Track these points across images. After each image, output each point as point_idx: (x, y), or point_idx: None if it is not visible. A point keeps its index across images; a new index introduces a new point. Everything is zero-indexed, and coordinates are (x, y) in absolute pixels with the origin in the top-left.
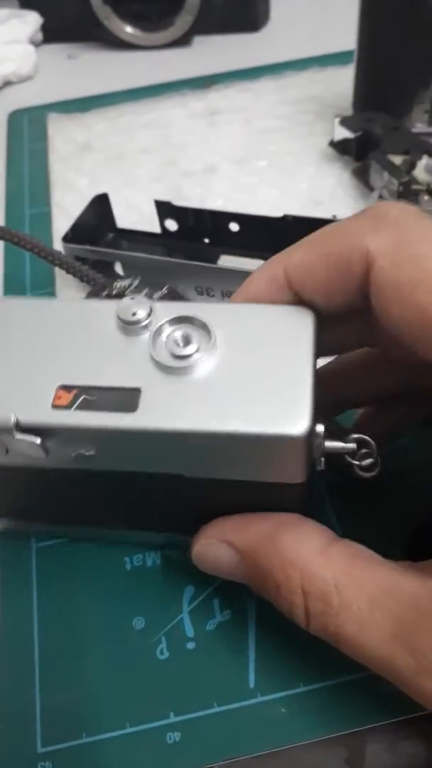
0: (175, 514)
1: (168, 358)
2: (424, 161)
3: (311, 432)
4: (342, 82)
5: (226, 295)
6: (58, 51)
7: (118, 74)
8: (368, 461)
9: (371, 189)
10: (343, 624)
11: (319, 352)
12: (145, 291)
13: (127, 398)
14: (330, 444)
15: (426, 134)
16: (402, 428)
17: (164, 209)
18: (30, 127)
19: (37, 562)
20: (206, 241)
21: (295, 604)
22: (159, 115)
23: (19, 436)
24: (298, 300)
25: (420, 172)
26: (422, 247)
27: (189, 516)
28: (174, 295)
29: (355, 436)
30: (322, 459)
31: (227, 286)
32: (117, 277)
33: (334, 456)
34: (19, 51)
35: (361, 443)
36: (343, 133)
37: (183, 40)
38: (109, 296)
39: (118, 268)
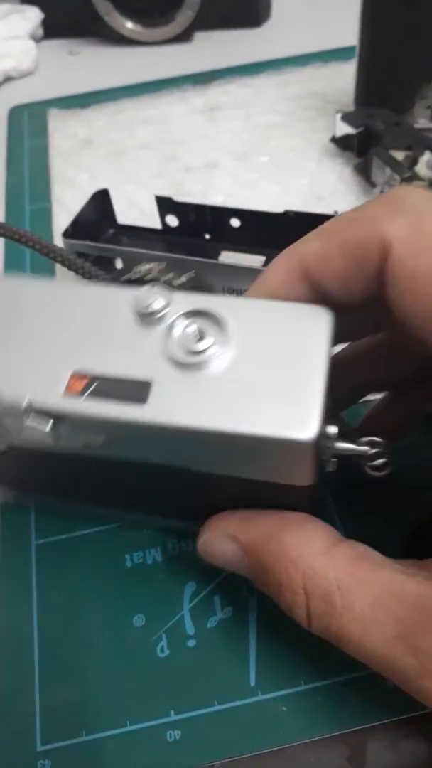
0: (183, 502)
1: (181, 352)
2: (426, 157)
3: (320, 437)
4: (343, 77)
5: (227, 292)
6: (58, 46)
7: (119, 70)
8: (380, 461)
9: (373, 185)
10: (346, 625)
11: (335, 342)
12: (170, 275)
13: (137, 390)
14: (342, 446)
15: (428, 130)
16: (415, 419)
17: (165, 205)
18: (30, 122)
19: (36, 560)
20: (207, 237)
21: (297, 603)
22: (160, 110)
23: (30, 420)
24: (316, 289)
25: (422, 167)
26: None
27: (196, 505)
28: (198, 281)
29: (367, 438)
30: (334, 460)
31: (228, 282)
32: (142, 260)
33: (345, 457)
34: (20, 46)
35: (373, 445)
36: (344, 129)
37: (184, 36)
38: (132, 281)
39: (119, 264)
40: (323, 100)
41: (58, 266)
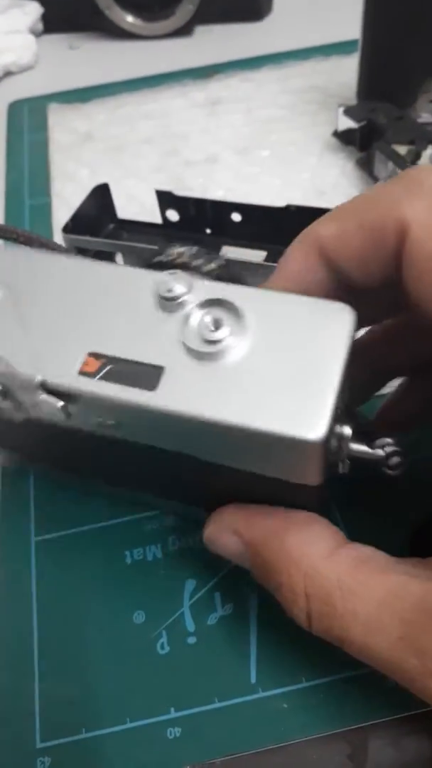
0: (190, 488)
1: (196, 341)
2: (429, 151)
3: (329, 437)
4: (345, 71)
5: None
6: (58, 41)
7: (119, 64)
8: (395, 461)
9: (375, 179)
10: (348, 627)
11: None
12: (200, 261)
13: (149, 375)
14: (356, 447)
15: (431, 124)
16: (430, 409)
17: (165, 199)
18: (30, 117)
19: (36, 556)
20: (208, 231)
21: (296, 604)
22: (160, 105)
23: (43, 396)
24: (335, 271)
25: (425, 161)
26: None
27: (202, 492)
28: (227, 268)
29: (382, 441)
30: (347, 461)
31: None
32: (174, 243)
33: (358, 460)
34: (20, 41)
35: (388, 446)
36: (346, 123)
37: (184, 30)
38: (163, 263)
39: (119, 259)
40: (325, 94)
41: None
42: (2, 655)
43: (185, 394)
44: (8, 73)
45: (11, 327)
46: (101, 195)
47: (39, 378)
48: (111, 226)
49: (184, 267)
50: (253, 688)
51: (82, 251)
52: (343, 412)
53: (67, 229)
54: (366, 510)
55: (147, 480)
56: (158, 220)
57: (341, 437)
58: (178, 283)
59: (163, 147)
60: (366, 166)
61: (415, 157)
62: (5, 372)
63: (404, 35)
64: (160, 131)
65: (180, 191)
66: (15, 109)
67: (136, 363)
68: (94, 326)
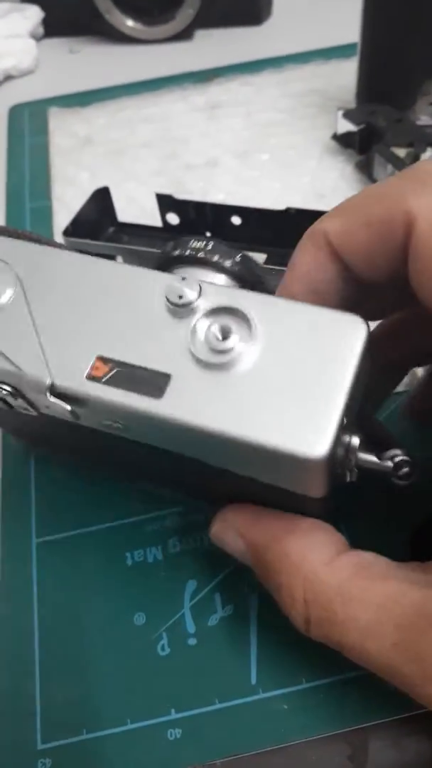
0: (196, 485)
1: (204, 349)
2: (428, 153)
3: (332, 454)
4: (345, 75)
5: None
6: (58, 45)
7: (119, 68)
8: (405, 470)
9: (374, 182)
10: (347, 633)
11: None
12: (218, 256)
13: (156, 382)
14: (364, 457)
15: (430, 126)
16: None
17: (165, 203)
18: (31, 121)
19: (37, 558)
20: (208, 234)
21: (295, 608)
22: (160, 109)
23: (52, 399)
24: (344, 267)
25: None
26: None
27: (209, 490)
28: (245, 264)
29: (391, 453)
30: (355, 471)
31: None
32: (190, 237)
33: (367, 470)
34: (20, 45)
35: (396, 457)
36: (346, 126)
37: (184, 34)
38: (183, 258)
39: (119, 262)
40: (324, 97)
41: None
42: (3, 656)
43: (190, 403)
44: (9, 77)
45: (22, 326)
46: (101, 198)
47: (48, 381)
48: (111, 229)
49: (203, 263)
50: (253, 689)
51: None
52: (353, 422)
53: (67, 233)
54: (366, 510)
55: (154, 475)
56: (158, 223)
57: (349, 448)
58: (188, 289)
59: (163, 150)
60: (365, 169)
61: (414, 159)
62: (15, 373)
63: (403, 38)
64: (160, 135)
65: (180, 195)
66: (15, 113)
67: (144, 369)
68: (104, 328)
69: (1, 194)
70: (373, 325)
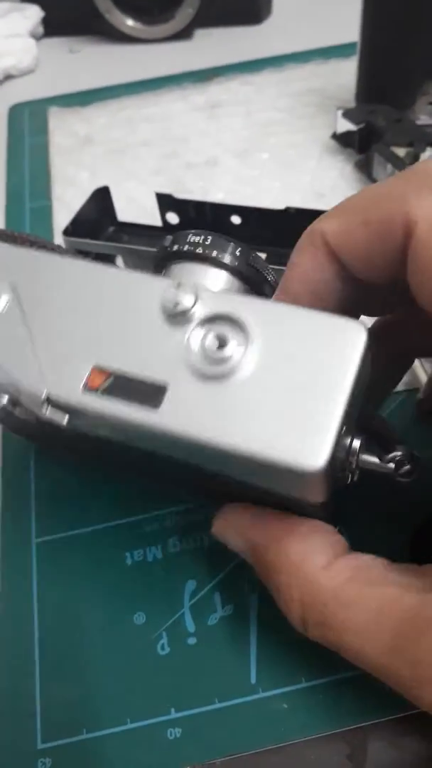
0: (196, 486)
1: (201, 359)
2: (427, 153)
3: (330, 464)
4: (344, 74)
5: None
6: (58, 44)
7: (119, 68)
8: (406, 468)
9: (374, 181)
10: (343, 636)
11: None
12: (215, 253)
13: (152, 393)
14: (366, 458)
15: (430, 126)
16: None
17: (165, 202)
18: (31, 120)
19: (37, 558)
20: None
21: (292, 610)
22: (160, 108)
23: (49, 411)
24: (343, 267)
25: None
26: None
27: (209, 490)
28: (244, 257)
29: (392, 454)
30: (357, 472)
31: None
32: (188, 231)
33: (369, 471)
34: (20, 44)
35: (399, 459)
36: (345, 126)
37: (184, 33)
38: (182, 253)
39: (120, 262)
40: (324, 96)
41: None
42: (3, 656)
43: (187, 414)
44: (9, 77)
45: (17, 334)
46: (101, 198)
47: (45, 393)
48: (111, 228)
49: (202, 258)
50: (253, 689)
51: (82, 254)
52: (354, 424)
53: (67, 232)
54: (367, 510)
55: (154, 475)
56: (158, 222)
57: (350, 451)
58: (184, 296)
59: (163, 150)
60: (365, 168)
61: (414, 159)
62: (12, 384)
63: (403, 37)
64: (160, 134)
65: (180, 194)
66: (15, 112)
67: (140, 380)
68: (99, 337)
69: (1, 194)
70: (373, 320)
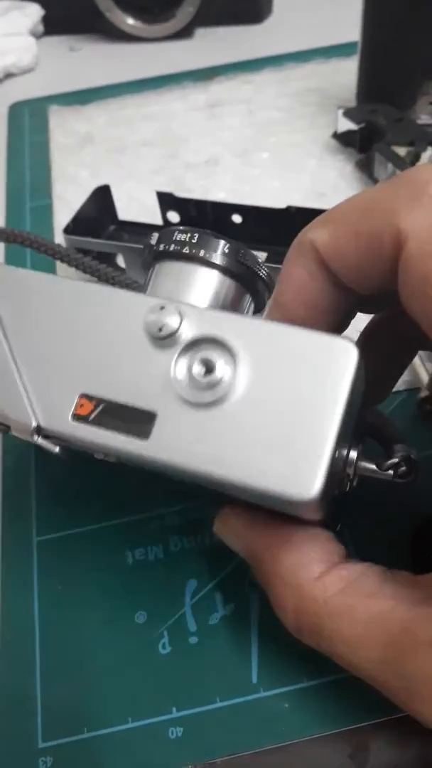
0: (198, 489)
1: (188, 387)
2: (428, 152)
3: (323, 491)
4: (345, 74)
5: None
6: (59, 43)
7: (120, 66)
8: (404, 470)
9: (375, 181)
10: (335, 645)
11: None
12: (202, 252)
13: (142, 421)
14: (365, 466)
15: (430, 125)
16: None
17: (166, 201)
18: (31, 119)
19: (37, 556)
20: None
21: (286, 617)
22: (161, 107)
23: (39, 440)
24: (334, 276)
25: (425, 163)
26: None
27: (210, 493)
28: (233, 254)
29: (390, 462)
30: (356, 479)
31: None
32: (174, 228)
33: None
34: (20, 43)
35: (397, 463)
36: (346, 125)
37: (185, 32)
38: (168, 252)
39: (120, 260)
40: (324, 96)
41: (58, 263)
42: (4, 654)
43: (177, 444)
44: (9, 75)
45: (2, 363)
46: (102, 196)
47: (33, 424)
48: (112, 227)
49: (189, 258)
50: (254, 688)
51: (83, 252)
52: (350, 435)
53: (68, 230)
54: (367, 510)
55: (153, 480)
56: (159, 221)
57: (347, 461)
58: (168, 318)
59: (164, 149)
60: (366, 167)
61: (415, 158)
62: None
63: (404, 37)
64: (161, 133)
65: (181, 193)
66: (15, 110)
67: (129, 408)
68: (86, 362)
69: (2, 193)
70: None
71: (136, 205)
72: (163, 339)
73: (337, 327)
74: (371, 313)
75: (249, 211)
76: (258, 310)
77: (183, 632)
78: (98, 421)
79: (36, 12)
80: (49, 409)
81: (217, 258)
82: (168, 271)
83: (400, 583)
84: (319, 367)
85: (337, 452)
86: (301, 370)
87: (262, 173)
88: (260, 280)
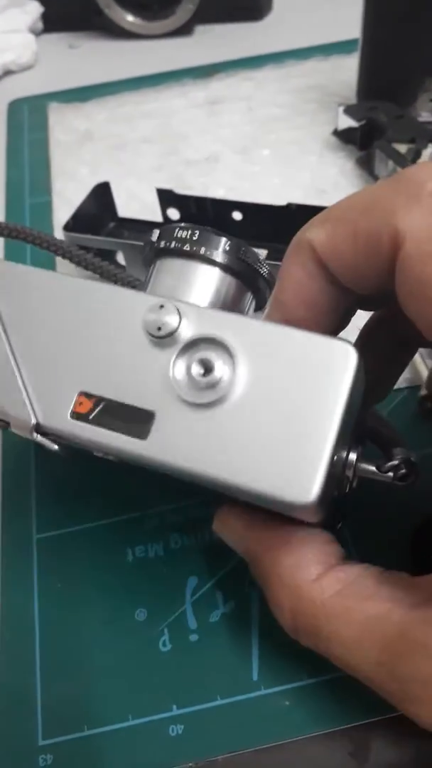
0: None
1: (186, 387)
2: (429, 150)
3: (321, 495)
4: (345, 71)
5: None
6: (58, 40)
7: (119, 63)
8: (403, 472)
9: (376, 178)
10: (332, 646)
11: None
12: (203, 249)
13: (140, 420)
14: (364, 468)
15: (431, 123)
16: None
17: (166, 198)
18: (30, 116)
19: (37, 554)
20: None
21: (283, 617)
22: (160, 104)
23: (38, 437)
24: (333, 276)
25: (425, 160)
26: None
27: (210, 493)
28: (237, 251)
29: (389, 464)
30: (356, 480)
31: None
32: (175, 225)
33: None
34: (19, 40)
35: (396, 465)
36: (347, 122)
37: (184, 29)
38: (169, 249)
39: (120, 257)
40: (325, 93)
41: (58, 259)
42: (4, 652)
43: (175, 445)
44: (8, 72)
45: (2, 361)
46: (102, 193)
47: (33, 421)
48: (112, 224)
49: (190, 255)
50: (255, 686)
51: (83, 249)
52: (350, 437)
53: (68, 227)
54: (367, 510)
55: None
56: (159, 218)
57: (347, 464)
58: (167, 317)
59: (164, 146)
60: (366, 164)
61: (416, 155)
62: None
63: (404, 34)
64: (161, 130)
65: (181, 190)
66: (15, 108)
67: (128, 407)
68: (86, 360)
69: (1, 190)
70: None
71: (136, 202)
72: (162, 338)
73: (337, 325)
74: (371, 311)
75: (249, 208)
76: (259, 308)
77: (183, 630)
78: (97, 420)
79: (35, 9)
80: (48, 407)
81: (218, 255)
82: (169, 268)
83: (397, 585)
84: (318, 370)
85: (335, 455)
86: (300, 372)
87: (262, 170)
88: (261, 278)
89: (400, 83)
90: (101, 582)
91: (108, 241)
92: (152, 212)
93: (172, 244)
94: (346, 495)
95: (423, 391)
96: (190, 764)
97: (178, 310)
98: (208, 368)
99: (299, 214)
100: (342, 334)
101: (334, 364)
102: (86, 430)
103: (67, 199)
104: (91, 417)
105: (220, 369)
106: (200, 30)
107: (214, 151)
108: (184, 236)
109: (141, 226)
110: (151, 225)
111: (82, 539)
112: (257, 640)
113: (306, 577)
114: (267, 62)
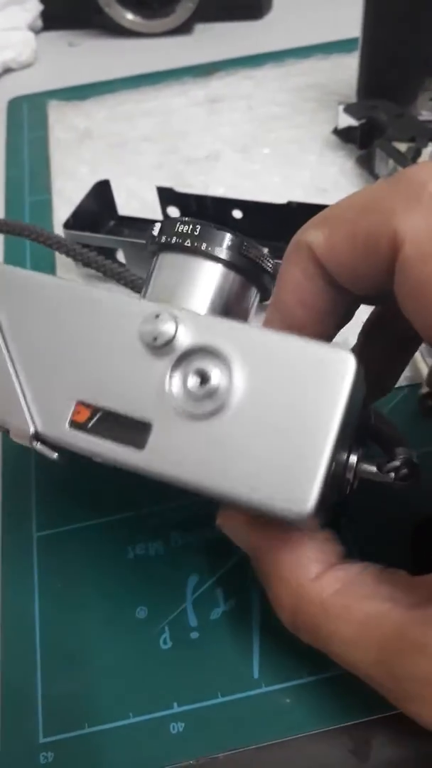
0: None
1: (182, 397)
2: (429, 148)
3: (318, 506)
4: (345, 69)
5: None
6: (58, 38)
7: (119, 62)
8: (404, 472)
9: (376, 177)
10: (331, 644)
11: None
12: (204, 245)
13: (137, 430)
14: (365, 469)
15: (431, 121)
16: None
17: (166, 196)
18: (30, 114)
19: (38, 551)
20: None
21: (283, 615)
22: (160, 102)
23: (37, 446)
24: (332, 278)
25: (425, 159)
26: None
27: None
28: (235, 247)
29: (390, 465)
30: (356, 482)
31: None
32: (177, 219)
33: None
34: (19, 38)
35: (397, 466)
36: (347, 121)
37: (184, 28)
38: (170, 245)
39: (120, 255)
40: (325, 92)
41: (58, 256)
42: (5, 650)
43: (172, 456)
44: (8, 70)
45: (2, 368)
46: (102, 191)
47: (32, 430)
48: (112, 222)
49: (191, 251)
50: (255, 683)
51: (84, 247)
52: (350, 440)
53: (68, 225)
54: (367, 509)
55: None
56: (159, 216)
57: (348, 466)
58: (164, 327)
59: (164, 144)
60: (366, 163)
61: (416, 154)
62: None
63: (404, 33)
64: (161, 129)
65: (181, 188)
66: (14, 105)
67: (125, 417)
68: (84, 369)
69: (1, 188)
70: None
71: (136, 200)
72: (159, 348)
73: (337, 325)
74: (373, 305)
75: (249, 207)
76: (264, 300)
77: (184, 627)
78: (95, 429)
79: (35, 7)
80: (46, 415)
81: (221, 252)
82: (171, 264)
83: (397, 584)
84: (315, 380)
85: (333, 463)
86: (298, 382)
87: (262, 169)
88: (266, 274)
89: (400, 82)
90: (102, 580)
91: (108, 239)
92: (152, 210)
93: (173, 240)
94: (348, 495)
95: (423, 389)
96: (191, 762)
97: (174, 318)
98: (204, 378)
99: (299, 213)
100: (345, 327)
101: (331, 373)
102: (84, 440)
103: (66, 197)
104: (88, 426)
105: (217, 378)
106: (200, 28)
107: (214, 149)
108: (185, 231)
109: (141, 225)
110: (151, 223)
111: (82, 537)
112: (258, 637)
113: (306, 575)
114: (267, 61)
